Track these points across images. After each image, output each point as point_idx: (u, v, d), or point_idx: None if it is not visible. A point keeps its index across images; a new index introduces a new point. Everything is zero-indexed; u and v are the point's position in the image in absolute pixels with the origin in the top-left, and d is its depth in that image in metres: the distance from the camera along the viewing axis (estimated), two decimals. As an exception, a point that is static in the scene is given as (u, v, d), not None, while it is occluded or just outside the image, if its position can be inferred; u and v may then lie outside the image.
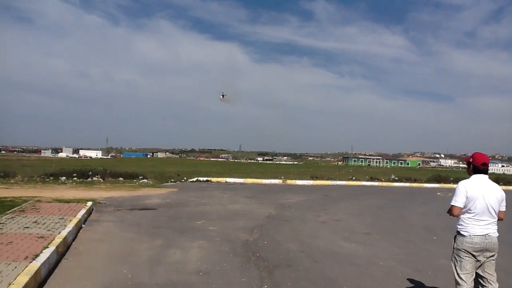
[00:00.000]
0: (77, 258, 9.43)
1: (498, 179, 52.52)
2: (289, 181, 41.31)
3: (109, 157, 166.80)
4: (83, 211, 14.27)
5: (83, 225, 13.08)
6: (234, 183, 37.73)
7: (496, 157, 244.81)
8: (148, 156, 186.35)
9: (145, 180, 34.99)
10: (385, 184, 44.17)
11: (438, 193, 33.55)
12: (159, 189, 27.97)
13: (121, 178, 35.00)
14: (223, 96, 56.37)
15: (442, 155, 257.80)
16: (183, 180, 37.78)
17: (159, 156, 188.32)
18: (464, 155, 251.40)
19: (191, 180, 38.07)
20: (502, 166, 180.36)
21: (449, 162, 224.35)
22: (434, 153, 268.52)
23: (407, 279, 8.49)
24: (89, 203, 16.71)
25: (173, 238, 11.84)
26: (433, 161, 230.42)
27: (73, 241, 10.87)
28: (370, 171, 76.75)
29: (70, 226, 11.27)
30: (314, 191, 31.75)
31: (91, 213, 15.61)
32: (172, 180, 36.91)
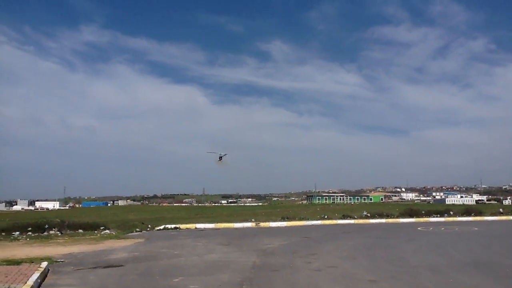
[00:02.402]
0: None
1: (469, 210, 52.37)
2: (262, 224, 39.26)
3: (67, 207, 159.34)
4: (35, 276, 11.88)
5: (35, 294, 10.67)
6: (205, 229, 35.34)
7: (454, 188, 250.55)
8: (109, 204, 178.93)
9: (107, 231, 32.11)
10: (361, 221, 42.75)
11: (419, 228, 32.30)
12: (124, 241, 25.34)
13: (80, 230, 31.98)
14: (220, 158, 53.52)
15: (403, 189, 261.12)
16: (148, 229, 35.12)
17: (120, 204, 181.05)
18: (424, 187, 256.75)
19: (158, 228, 35.42)
20: (461, 197, 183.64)
21: (410, 195, 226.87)
22: (395, 187, 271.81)
23: None
24: (44, 264, 14.22)
25: (149, 304, 9.64)
26: (395, 195, 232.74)
27: (21, 318, 8.53)
28: (338, 209, 75.54)
29: (17, 299, 8.91)
30: (291, 233, 29.83)
31: (46, 276, 13.16)
32: (137, 229, 34.18)
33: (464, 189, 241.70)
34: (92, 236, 28.33)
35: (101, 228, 33.52)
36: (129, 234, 30.66)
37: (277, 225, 38.51)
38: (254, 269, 14.41)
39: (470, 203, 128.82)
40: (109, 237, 28.03)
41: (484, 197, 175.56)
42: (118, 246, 21.93)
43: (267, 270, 14.16)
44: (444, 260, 15.71)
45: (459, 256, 16.87)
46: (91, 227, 33.36)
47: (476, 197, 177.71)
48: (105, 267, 15.22)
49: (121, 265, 15.51)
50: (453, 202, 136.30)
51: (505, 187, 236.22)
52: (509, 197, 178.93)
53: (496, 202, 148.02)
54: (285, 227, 37.47)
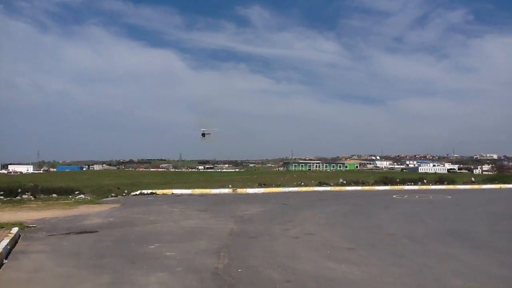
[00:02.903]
0: (-8, 315, 6.84)
1: (442, 179, 53.45)
2: (239, 190, 39.25)
3: (42, 171, 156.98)
4: (5, 242, 11.40)
5: (5, 261, 10.27)
6: (182, 195, 35.12)
7: (427, 157, 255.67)
8: (84, 169, 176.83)
9: (82, 196, 31.58)
10: (337, 188, 43.17)
11: (394, 196, 32.76)
12: (99, 206, 24.92)
13: (54, 195, 31.37)
14: (203, 135, 52.27)
15: (378, 157, 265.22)
16: (124, 194, 34.69)
17: (95, 169, 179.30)
18: (398, 156, 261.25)
19: (134, 193, 35.02)
20: (434, 165, 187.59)
21: (385, 164, 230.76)
22: (370, 155, 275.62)
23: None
24: (15, 230, 13.70)
25: (123, 272, 9.35)
26: (370, 163, 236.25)
27: (-12, 287, 8.16)
28: (314, 176, 76.33)
29: (-16, 266, 8.49)
30: (269, 199, 29.85)
31: (16, 242, 12.70)
32: (113, 194, 33.71)
33: (436, 158, 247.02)
34: (66, 201, 27.79)
35: (76, 193, 32.95)
36: (104, 199, 30.21)
37: (254, 192, 38.56)
38: (232, 236, 14.26)
39: (442, 171, 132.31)
40: (83, 202, 27.55)
41: (456, 166, 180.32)
42: (92, 212, 21.52)
43: (245, 237, 14.03)
44: (420, 229, 15.84)
45: (435, 225, 17.07)
46: (65, 192, 32.73)
47: (448, 166, 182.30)
48: (78, 233, 14.85)
49: (96, 231, 15.16)
50: (426, 171, 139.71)
51: (476, 156, 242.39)
52: (480, 166, 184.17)
53: (467, 171, 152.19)
54: (262, 193, 37.54)
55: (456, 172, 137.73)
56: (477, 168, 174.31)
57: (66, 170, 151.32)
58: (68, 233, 14.78)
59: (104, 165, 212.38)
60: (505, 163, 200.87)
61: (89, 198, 30.67)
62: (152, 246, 12.34)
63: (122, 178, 69.81)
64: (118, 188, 38.45)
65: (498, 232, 15.28)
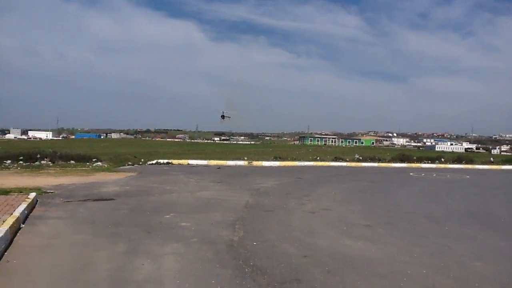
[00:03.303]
0: (8, 279, 6.84)
1: (460, 158, 52.59)
2: (254, 163, 39.17)
3: (60, 138, 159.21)
4: (23, 206, 11.48)
5: (22, 225, 10.34)
6: (197, 165, 35.18)
7: (445, 135, 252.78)
8: (102, 137, 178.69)
9: (99, 163, 31.84)
10: (353, 164, 42.77)
11: (411, 173, 32.35)
12: (116, 174, 25.08)
13: (72, 161, 31.68)
14: (223, 117, 50.96)
15: (395, 134, 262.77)
16: (140, 163, 34.87)
17: (113, 137, 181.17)
18: (415, 134, 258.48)
19: (151, 162, 35.19)
20: (451, 144, 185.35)
21: (401, 141, 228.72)
22: (387, 132, 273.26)
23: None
24: (32, 195, 13.82)
25: (139, 241, 9.34)
26: (386, 140, 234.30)
27: (5, 251, 8.20)
28: (330, 151, 75.80)
29: (1, 230, 8.52)
30: (284, 173, 29.72)
31: (34, 207, 12.82)
32: (130, 163, 33.94)
33: (454, 137, 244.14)
34: (83, 168, 28.04)
35: (93, 160, 33.22)
36: (121, 167, 30.40)
37: (270, 165, 38.44)
38: (247, 208, 14.19)
39: (459, 150, 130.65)
40: (100, 169, 27.77)
41: (474, 146, 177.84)
42: (109, 179, 21.66)
43: (260, 210, 13.94)
44: (439, 208, 15.56)
45: (454, 205, 16.74)
46: (83, 159, 33.03)
47: (466, 145, 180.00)
48: (95, 200, 14.93)
49: (112, 199, 15.23)
50: (443, 149, 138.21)
51: (495, 136, 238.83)
52: (498, 146, 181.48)
53: (485, 151, 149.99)
54: (278, 167, 37.41)
55: (473, 151, 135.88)
56: (495, 148, 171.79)
57: (85, 138, 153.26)
58: (85, 200, 14.88)
59: (122, 133, 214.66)
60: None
61: (106, 165, 30.90)
62: (168, 216, 12.33)
63: (139, 147, 70.34)
64: (134, 157, 38.66)
65: (519, 214, 14.94)
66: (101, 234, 9.90)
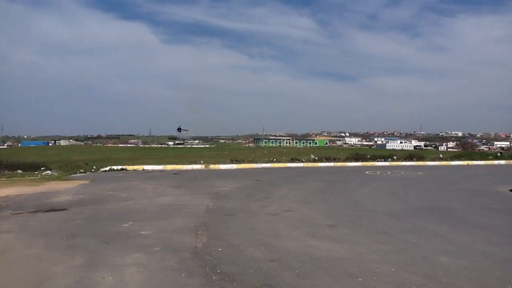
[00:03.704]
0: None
1: (412, 155, 54.23)
2: (211, 166, 38.76)
3: (5, 146, 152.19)
4: (-34, 221, 10.63)
5: (-34, 241, 9.57)
6: (153, 171, 34.39)
7: (395, 134, 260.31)
8: (50, 144, 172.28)
9: (49, 172, 30.51)
10: (309, 164, 43.17)
11: (367, 172, 32.95)
12: (67, 182, 24.03)
13: (19, 171, 30.17)
14: (179, 130, 51.29)
15: (347, 134, 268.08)
16: (93, 170, 33.71)
17: (62, 144, 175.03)
18: (367, 133, 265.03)
19: (104, 169, 34.07)
20: (401, 142, 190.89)
21: (353, 140, 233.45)
22: (340, 132, 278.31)
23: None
24: (-23, 208, 12.88)
25: (98, 252, 8.83)
26: (339, 140, 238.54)
27: (-51, 271, 7.51)
28: (285, 152, 76.42)
29: None
30: (242, 175, 29.51)
31: (-21, 221, 11.92)
32: (81, 170, 32.72)
33: (404, 135, 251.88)
34: (32, 177, 26.74)
35: (42, 168, 31.83)
36: (73, 175, 29.25)
37: (227, 168, 38.15)
38: (208, 213, 13.85)
39: (408, 148, 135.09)
40: (50, 178, 26.56)
41: (422, 143, 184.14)
42: (61, 188, 20.68)
43: (222, 214, 13.64)
44: (398, 205, 15.81)
45: (412, 201, 17.06)
46: (31, 168, 31.57)
47: (414, 143, 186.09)
48: (47, 211, 14.14)
49: (65, 209, 14.47)
50: (393, 147, 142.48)
51: (442, 134, 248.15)
52: (445, 143, 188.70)
53: (433, 148, 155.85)
54: (236, 169, 37.18)
55: (422, 149, 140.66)
56: (442, 145, 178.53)
57: (32, 146, 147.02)
58: (36, 211, 14.06)
59: (71, 140, 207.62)
60: (469, 140, 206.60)
61: (56, 174, 29.66)
62: (126, 225, 11.81)
63: (90, 154, 68.32)
64: (86, 164, 37.38)
65: (475, 209, 15.35)
66: (55, 247, 9.30)
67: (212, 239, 10.05)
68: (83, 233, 10.76)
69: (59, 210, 14.31)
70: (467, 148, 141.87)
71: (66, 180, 25.58)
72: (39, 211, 14.08)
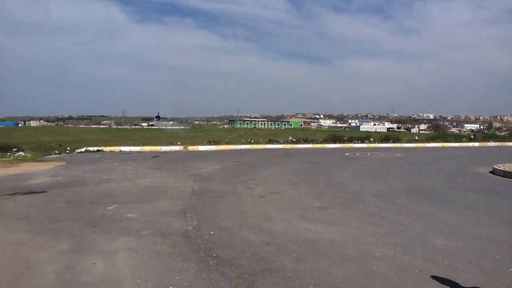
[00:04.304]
0: None
1: (388, 137, 54.77)
2: (190, 147, 38.26)
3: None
4: None
5: None
6: (131, 152, 33.70)
7: (368, 116, 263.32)
8: (20, 125, 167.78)
9: (21, 153, 29.51)
10: (288, 146, 43.11)
11: (346, 154, 33.05)
12: (43, 164, 23.26)
13: (-10, 152, 29.08)
14: (158, 118, 49.78)
15: (322, 115, 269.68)
16: (68, 151, 32.79)
17: (32, 125, 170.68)
18: (341, 115, 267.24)
19: (79, 150, 33.20)
20: (374, 124, 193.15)
21: (328, 122, 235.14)
22: (314, 113, 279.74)
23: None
24: (-50, 190, 12.23)
25: (84, 237, 8.44)
26: (313, 122, 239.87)
27: None
28: (261, 133, 76.50)
29: None
30: (223, 157, 29.19)
31: (-47, 205, 11.32)
32: (56, 151, 31.78)
33: (377, 117, 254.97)
34: (4, 159, 25.79)
35: (14, 150, 30.77)
36: (47, 156, 28.37)
37: (206, 149, 37.74)
38: (194, 195, 13.53)
39: (382, 130, 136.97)
40: (24, 160, 25.68)
41: (395, 126, 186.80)
42: (37, 170, 19.98)
43: (209, 196, 13.34)
44: (383, 187, 15.79)
45: (396, 182, 17.09)
46: (2, 149, 30.46)
47: (387, 125, 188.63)
48: (25, 193, 13.57)
49: (44, 191, 13.92)
50: (367, 129, 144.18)
51: (413, 116, 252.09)
52: (417, 125, 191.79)
53: (405, 130, 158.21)
54: (215, 151, 36.78)
55: (395, 131, 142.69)
56: (414, 127, 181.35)
57: (1, 126, 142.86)
58: (14, 193, 13.48)
59: (42, 121, 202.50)
60: (441, 122, 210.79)
61: (29, 155, 28.70)
62: (111, 207, 11.40)
63: (62, 135, 66.80)
64: (59, 145, 36.34)
65: (459, 189, 15.42)
66: (39, 232, 8.85)
67: (203, 222, 9.76)
68: (66, 216, 10.31)
69: (38, 192, 13.76)
70: (438, 130, 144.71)
71: (41, 161, 24.78)
72: (17, 193, 13.50)
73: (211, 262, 6.94)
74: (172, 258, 7.12)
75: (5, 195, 13.18)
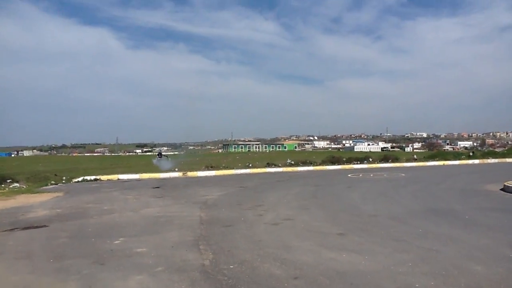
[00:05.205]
0: None
1: (386, 157, 54.42)
2: (189, 173, 37.60)
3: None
4: None
5: None
6: (130, 180, 32.96)
7: (362, 136, 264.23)
8: (13, 155, 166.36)
9: (16, 184, 28.70)
10: (288, 169, 42.55)
11: (349, 175, 32.53)
12: (40, 195, 22.49)
13: (-16, 185, 28.25)
14: (160, 156, 48.92)
15: (316, 137, 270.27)
16: (64, 181, 32.00)
17: (25, 155, 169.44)
18: (335, 136, 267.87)
19: (76, 180, 32.42)
20: (368, 144, 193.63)
21: (322, 143, 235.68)
22: (308, 135, 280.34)
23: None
24: None
25: (94, 276, 7.76)
26: (308, 143, 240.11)
27: None
28: (257, 157, 75.96)
29: None
30: (224, 182, 28.55)
31: (-51, 244, 10.58)
32: (53, 182, 30.96)
33: (371, 137, 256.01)
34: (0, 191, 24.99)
35: (9, 181, 29.94)
36: (44, 187, 27.58)
37: (206, 175, 37.12)
38: (204, 225, 12.86)
39: (376, 150, 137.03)
40: (20, 191, 24.88)
41: (389, 145, 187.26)
42: (34, 202, 19.22)
43: (219, 225, 12.67)
44: (398, 208, 15.21)
45: (408, 203, 16.52)
46: (-4, 181, 29.64)
47: (381, 144, 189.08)
48: (24, 228, 12.83)
49: (45, 226, 13.18)
50: (361, 149, 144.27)
51: (407, 135, 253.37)
52: (410, 144, 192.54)
53: (399, 149, 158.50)
54: (215, 176, 36.18)
55: (389, 150, 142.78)
56: (408, 146, 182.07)
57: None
58: (13, 228, 12.74)
59: (35, 150, 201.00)
60: (434, 140, 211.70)
61: (24, 187, 27.90)
62: (118, 241, 10.71)
63: (56, 164, 65.86)
64: (55, 175, 35.56)
65: (476, 209, 14.85)
66: (43, 272, 8.15)
67: (219, 255, 9.10)
68: (72, 253, 9.62)
69: (38, 227, 13.01)
70: (433, 148, 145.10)
71: (38, 192, 24.01)
72: (16, 228, 12.76)
73: (238, 304, 6.29)
74: (193, 299, 6.46)
75: (4, 231, 12.44)
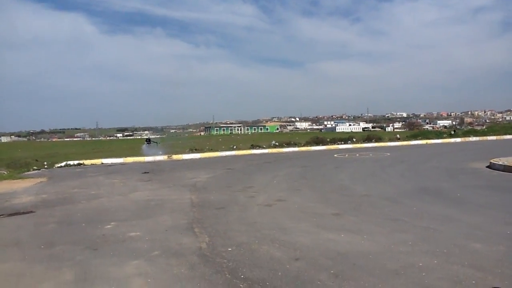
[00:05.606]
0: None
1: (370, 137, 54.71)
2: (174, 156, 37.20)
3: None
4: None
5: None
6: (114, 164, 32.46)
7: (343, 117, 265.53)
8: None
9: (-3, 171, 27.95)
10: (274, 150, 42.42)
11: (335, 155, 32.56)
12: (22, 181, 21.98)
13: (-38, 171, 27.47)
14: (149, 142, 47.98)
15: (297, 119, 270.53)
16: (46, 166, 31.36)
17: (3, 141, 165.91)
18: (316, 117, 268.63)
19: (59, 165, 31.79)
20: (349, 125, 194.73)
21: (304, 125, 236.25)
22: (290, 117, 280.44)
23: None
24: None
25: (88, 262, 7.52)
26: (290, 125, 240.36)
27: None
28: (240, 139, 75.78)
29: None
30: (211, 165, 28.31)
31: None
32: (35, 167, 30.30)
33: (352, 118, 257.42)
34: (-21, 178, 24.31)
35: (-12, 167, 29.18)
36: (26, 173, 26.99)
37: (191, 157, 36.77)
38: (195, 208, 12.66)
39: (357, 130, 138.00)
40: (1, 177, 24.25)
41: (370, 125, 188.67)
42: (18, 188, 18.74)
43: (211, 208, 12.48)
44: (389, 188, 15.22)
45: (398, 183, 16.56)
46: (-25, 167, 28.88)
47: (362, 125, 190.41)
48: (10, 215, 12.46)
49: (32, 211, 12.83)
50: (343, 130, 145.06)
51: (387, 115, 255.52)
52: (391, 124, 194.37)
53: (380, 129, 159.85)
54: (200, 159, 35.85)
55: (370, 130, 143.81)
56: (389, 126, 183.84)
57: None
58: (-2, 216, 12.35)
59: (13, 136, 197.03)
60: (414, 120, 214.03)
61: (5, 173, 27.20)
62: (109, 226, 10.45)
63: (35, 150, 64.62)
64: (36, 160, 34.81)
65: (465, 187, 14.92)
66: (35, 259, 7.87)
67: (215, 238, 8.92)
68: (62, 239, 9.33)
69: (25, 213, 12.65)
70: (413, 128, 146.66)
71: (20, 178, 23.45)
72: (2, 215, 12.39)
73: (241, 286, 6.13)
74: (195, 283, 6.28)
75: (-11, 218, 12.05)
